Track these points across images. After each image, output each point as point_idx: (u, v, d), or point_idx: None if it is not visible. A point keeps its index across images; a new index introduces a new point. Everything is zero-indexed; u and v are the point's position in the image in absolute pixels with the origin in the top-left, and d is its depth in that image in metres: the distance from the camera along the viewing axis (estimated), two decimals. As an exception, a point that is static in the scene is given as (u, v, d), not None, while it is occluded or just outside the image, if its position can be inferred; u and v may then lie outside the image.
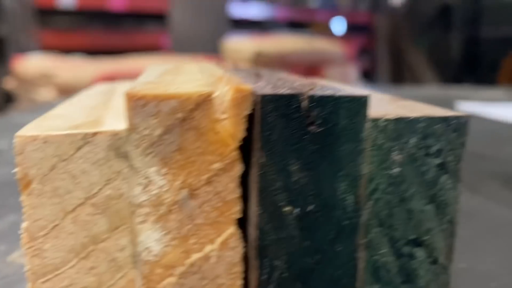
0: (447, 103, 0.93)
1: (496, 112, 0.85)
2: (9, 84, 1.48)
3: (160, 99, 0.18)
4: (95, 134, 0.18)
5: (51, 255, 0.18)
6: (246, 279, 0.21)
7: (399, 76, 2.50)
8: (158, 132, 0.18)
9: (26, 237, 0.18)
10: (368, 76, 2.55)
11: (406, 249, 0.20)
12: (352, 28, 2.58)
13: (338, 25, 2.53)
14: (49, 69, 1.37)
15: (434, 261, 0.20)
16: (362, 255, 0.20)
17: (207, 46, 1.62)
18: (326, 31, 2.46)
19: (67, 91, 1.19)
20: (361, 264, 0.20)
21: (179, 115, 0.18)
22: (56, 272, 0.18)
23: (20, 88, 1.44)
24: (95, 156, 0.18)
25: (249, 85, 0.19)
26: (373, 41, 2.62)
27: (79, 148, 0.18)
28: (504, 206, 0.36)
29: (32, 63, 1.43)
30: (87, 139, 0.18)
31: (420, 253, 0.20)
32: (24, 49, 1.57)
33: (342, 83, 0.21)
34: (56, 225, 0.18)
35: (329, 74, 1.53)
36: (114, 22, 1.77)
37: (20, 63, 1.43)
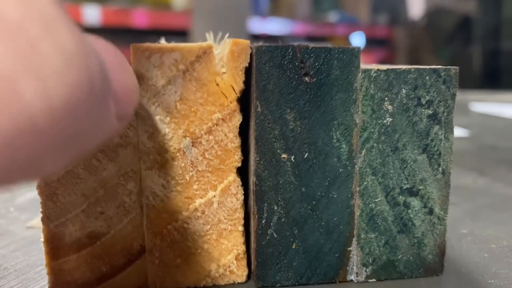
0: (463, 105, 0.93)
1: (509, 111, 0.85)
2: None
3: (164, 51, 0.19)
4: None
5: (63, 199, 0.19)
6: (248, 227, 0.22)
7: (420, 89, 2.47)
8: (161, 82, 0.19)
9: (41, 181, 0.19)
10: (389, 89, 2.52)
11: (400, 198, 0.21)
12: (372, 42, 2.59)
13: (358, 39, 2.54)
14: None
15: (430, 211, 0.21)
16: (357, 203, 0.21)
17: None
18: (345, 45, 2.47)
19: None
20: (357, 212, 0.21)
21: (181, 66, 0.19)
22: (68, 216, 0.20)
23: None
24: (104, 104, 0.19)
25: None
26: (392, 55, 2.62)
27: (89, 97, 0.19)
28: (509, 187, 0.36)
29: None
30: (97, 87, 0.19)
31: (415, 202, 0.21)
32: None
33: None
34: (69, 170, 0.19)
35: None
36: (137, 38, 1.82)
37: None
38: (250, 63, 0.20)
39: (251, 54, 0.20)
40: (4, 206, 0.32)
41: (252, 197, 0.20)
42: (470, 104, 0.94)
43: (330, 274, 0.21)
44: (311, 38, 2.40)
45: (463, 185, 0.37)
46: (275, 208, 0.20)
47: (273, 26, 2.26)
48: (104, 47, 0.14)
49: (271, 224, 0.20)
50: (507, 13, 2.40)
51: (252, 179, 0.20)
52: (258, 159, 0.20)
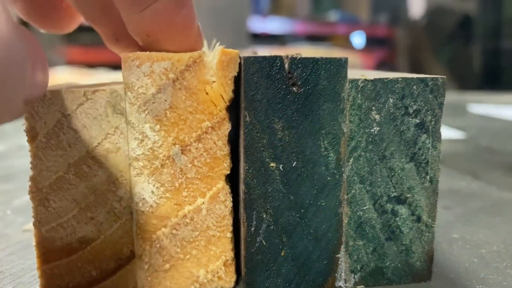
0: (461, 106, 0.93)
1: (507, 113, 0.85)
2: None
3: (154, 60, 0.19)
4: (94, 91, 0.19)
5: (54, 204, 0.20)
6: (238, 233, 0.22)
7: (420, 88, 2.46)
8: (151, 91, 0.19)
9: (33, 186, 0.20)
10: (389, 88, 2.52)
11: (388, 206, 0.21)
12: (372, 41, 2.59)
13: (358, 38, 2.54)
14: (74, 81, 1.42)
15: (418, 219, 0.21)
16: (345, 211, 0.21)
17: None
18: (346, 44, 2.48)
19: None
20: (345, 220, 0.21)
21: (171, 75, 0.19)
22: (59, 221, 0.20)
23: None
24: (95, 112, 0.19)
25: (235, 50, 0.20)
26: (393, 54, 2.62)
27: (80, 104, 0.19)
28: (502, 190, 0.36)
29: (57, 76, 1.48)
30: (88, 96, 0.19)
31: (403, 210, 0.21)
32: (50, 65, 1.62)
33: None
34: (60, 176, 0.20)
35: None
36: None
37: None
38: (239, 73, 0.20)
39: (240, 64, 0.20)
40: (0, 209, 0.32)
41: (241, 205, 0.21)
42: (468, 105, 0.94)
43: (319, 280, 0.21)
44: (311, 37, 2.40)
45: (457, 189, 0.37)
46: (264, 216, 0.20)
47: (274, 25, 2.26)
48: (31, 40, 0.16)
49: (260, 231, 0.20)
50: (507, 13, 2.40)
51: (241, 187, 0.21)
52: (247, 167, 0.20)
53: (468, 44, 2.48)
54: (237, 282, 0.21)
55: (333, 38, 2.49)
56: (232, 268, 0.21)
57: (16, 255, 0.24)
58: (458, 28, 2.53)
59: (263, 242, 0.20)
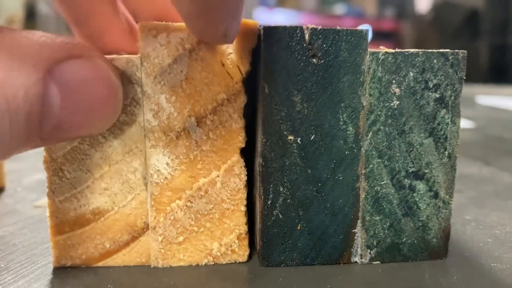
0: (469, 98, 0.92)
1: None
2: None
3: (170, 30, 0.19)
4: (112, 60, 0.19)
5: (68, 174, 0.20)
6: (253, 206, 0.22)
7: (425, 83, 2.45)
8: (167, 61, 0.19)
9: (47, 156, 0.19)
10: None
11: (406, 182, 0.21)
12: (378, 35, 2.57)
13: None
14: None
15: (435, 195, 0.21)
16: (363, 185, 0.20)
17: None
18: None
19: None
20: (362, 194, 0.21)
21: (187, 45, 0.19)
22: (73, 192, 0.20)
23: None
24: (110, 81, 0.19)
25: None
26: (399, 48, 2.61)
27: (95, 73, 0.19)
28: (516, 177, 0.36)
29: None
30: (103, 64, 0.19)
31: (420, 186, 0.21)
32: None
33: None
34: (74, 146, 0.19)
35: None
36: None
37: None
38: (258, 45, 0.20)
39: (258, 35, 0.20)
40: (11, 186, 0.32)
41: (258, 178, 0.20)
42: (476, 97, 0.94)
43: (335, 255, 0.21)
44: (317, 30, 2.39)
45: (469, 174, 0.37)
46: (281, 189, 0.20)
47: (280, 17, 2.25)
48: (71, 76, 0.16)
49: (277, 205, 0.20)
50: (515, 8, 2.38)
51: (258, 160, 0.20)
52: (264, 140, 0.20)
53: (475, 39, 2.46)
54: (250, 256, 0.21)
55: (339, 32, 2.48)
56: (246, 242, 0.21)
57: (28, 229, 0.24)
58: (465, 23, 2.51)
59: (280, 215, 0.20)
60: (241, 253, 0.21)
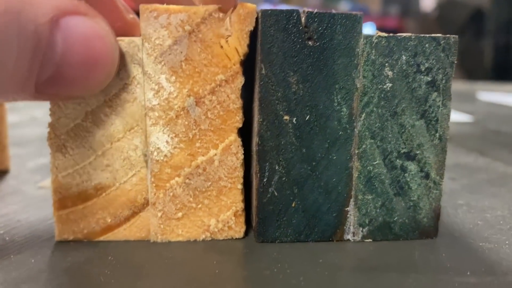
0: (470, 94, 0.93)
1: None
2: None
3: (171, 12, 0.20)
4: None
5: (71, 151, 0.20)
6: (249, 185, 0.22)
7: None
8: (168, 42, 0.20)
9: (51, 133, 0.20)
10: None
11: (398, 162, 0.21)
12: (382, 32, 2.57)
13: (369, 29, 2.53)
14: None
15: (426, 176, 0.22)
16: (355, 165, 0.21)
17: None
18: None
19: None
20: (355, 174, 0.21)
21: (187, 27, 0.20)
22: (75, 167, 0.20)
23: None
24: (112, 61, 0.20)
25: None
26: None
27: (98, 53, 0.20)
28: (509, 166, 0.37)
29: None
30: (106, 44, 0.20)
31: (412, 166, 0.21)
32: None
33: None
34: (77, 124, 0.20)
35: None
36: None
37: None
38: (256, 27, 0.20)
39: (256, 18, 0.20)
40: (15, 169, 0.33)
41: (254, 157, 0.21)
42: (477, 93, 0.94)
43: (328, 233, 0.21)
44: (321, 27, 2.39)
45: (464, 163, 0.37)
46: (276, 167, 0.21)
47: (283, 14, 2.25)
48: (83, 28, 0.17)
49: (272, 182, 0.21)
50: (520, 7, 2.37)
51: (255, 139, 0.21)
52: (261, 120, 0.20)
53: (479, 38, 2.46)
54: (246, 233, 0.22)
55: (343, 29, 2.48)
56: (242, 219, 0.21)
57: (32, 207, 0.25)
58: (469, 21, 2.50)
59: (275, 193, 0.21)
60: (238, 230, 0.21)
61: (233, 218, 0.21)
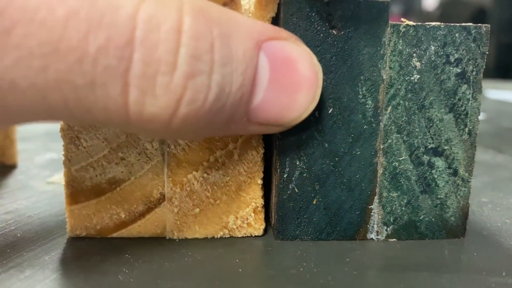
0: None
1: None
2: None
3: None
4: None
5: (85, 143, 0.19)
6: (270, 181, 0.21)
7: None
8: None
9: (64, 124, 0.19)
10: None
11: (425, 158, 0.20)
12: (385, 32, 2.56)
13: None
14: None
15: (454, 173, 0.21)
16: (380, 161, 0.20)
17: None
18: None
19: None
20: (380, 170, 0.20)
21: None
22: (89, 160, 0.20)
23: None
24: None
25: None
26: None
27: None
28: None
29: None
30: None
31: (439, 163, 0.20)
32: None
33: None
34: (91, 115, 0.19)
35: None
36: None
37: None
38: (277, 14, 0.19)
39: (278, 5, 0.19)
40: (23, 164, 0.32)
41: (274, 151, 0.20)
42: (484, 91, 0.93)
43: (350, 231, 0.21)
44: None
45: (483, 161, 0.36)
46: (297, 163, 0.20)
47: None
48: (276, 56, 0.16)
49: (293, 178, 0.20)
50: (524, 6, 2.36)
51: (276, 133, 0.20)
52: None
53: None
54: (265, 231, 0.21)
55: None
56: (262, 216, 0.21)
57: (43, 203, 0.24)
58: (472, 20, 2.49)
59: (296, 189, 0.20)
60: (257, 227, 0.21)
61: (253, 214, 0.20)
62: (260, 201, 0.20)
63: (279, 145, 0.20)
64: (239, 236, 0.21)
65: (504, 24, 2.37)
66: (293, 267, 0.17)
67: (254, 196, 0.20)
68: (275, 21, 0.19)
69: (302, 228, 0.20)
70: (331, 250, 0.19)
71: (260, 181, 0.20)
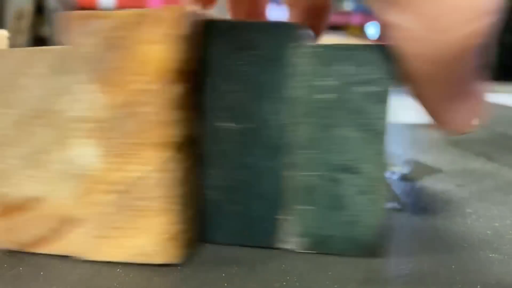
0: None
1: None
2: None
3: (98, 18, 0.19)
4: (41, 50, 0.19)
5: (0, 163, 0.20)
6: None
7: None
8: (97, 50, 0.19)
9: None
10: (403, 80, 2.48)
11: (336, 174, 0.21)
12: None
13: (373, 29, 2.50)
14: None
15: (365, 190, 0.21)
16: (292, 175, 0.21)
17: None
18: (360, 34, 2.44)
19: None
20: (292, 184, 0.21)
21: (116, 34, 0.19)
22: (7, 180, 0.20)
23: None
24: (41, 71, 0.19)
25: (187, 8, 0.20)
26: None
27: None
28: (517, 172, 0.36)
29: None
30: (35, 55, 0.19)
31: (350, 180, 0.20)
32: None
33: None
34: (5, 134, 0.20)
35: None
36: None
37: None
38: (195, 34, 0.20)
39: (195, 25, 0.20)
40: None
41: (195, 163, 0.21)
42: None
43: (265, 239, 0.21)
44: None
45: (471, 169, 0.37)
46: (217, 173, 0.21)
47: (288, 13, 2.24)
48: None
49: (212, 188, 0.21)
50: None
51: (197, 146, 0.21)
52: (202, 127, 0.21)
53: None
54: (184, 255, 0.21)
55: (348, 28, 2.46)
56: (178, 242, 0.20)
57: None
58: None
59: (214, 198, 0.21)
60: (174, 253, 0.20)
61: (169, 240, 0.20)
62: (178, 227, 0.20)
63: (201, 157, 0.21)
64: (158, 262, 0.20)
65: (505, 24, 2.34)
66: (277, 281, 0.18)
67: (171, 221, 0.20)
68: (192, 41, 0.20)
69: (220, 233, 0.22)
70: (314, 264, 0.20)
71: (176, 206, 0.20)
